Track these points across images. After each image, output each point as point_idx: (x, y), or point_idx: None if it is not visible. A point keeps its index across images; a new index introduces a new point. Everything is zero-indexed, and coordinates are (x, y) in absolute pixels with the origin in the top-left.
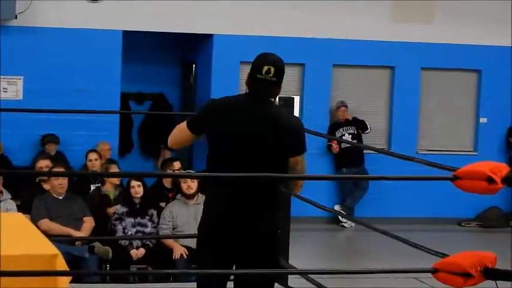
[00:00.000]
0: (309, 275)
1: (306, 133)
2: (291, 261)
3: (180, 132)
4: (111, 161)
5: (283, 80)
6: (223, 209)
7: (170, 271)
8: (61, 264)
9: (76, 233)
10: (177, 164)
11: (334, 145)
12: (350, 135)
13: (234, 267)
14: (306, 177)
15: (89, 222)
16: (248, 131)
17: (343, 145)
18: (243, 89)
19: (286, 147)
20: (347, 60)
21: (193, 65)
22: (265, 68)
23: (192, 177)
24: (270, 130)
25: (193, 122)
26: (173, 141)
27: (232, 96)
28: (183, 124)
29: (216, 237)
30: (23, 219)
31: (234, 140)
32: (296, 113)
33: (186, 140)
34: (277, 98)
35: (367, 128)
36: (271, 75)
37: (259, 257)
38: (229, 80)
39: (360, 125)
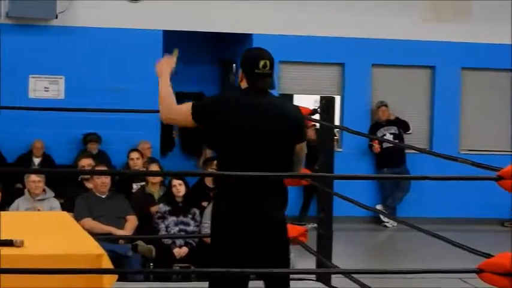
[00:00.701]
0: (352, 275)
1: (345, 132)
2: (334, 261)
3: (181, 115)
4: (152, 160)
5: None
6: (249, 204)
7: (212, 270)
8: (106, 264)
9: (118, 232)
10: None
11: (376, 145)
12: (392, 135)
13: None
14: (348, 176)
15: (132, 221)
16: (260, 123)
17: (385, 145)
18: (284, 88)
19: (294, 136)
20: (387, 60)
21: (233, 64)
22: (262, 62)
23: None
24: (280, 121)
25: (200, 114)
26: (169, 118)
27: (235, 92)
28: (187, 108)
29: (243, 234)
30: (67, 218)
31: (248, 134)
32: (337, 112)
33: (183, 123)
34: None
35: (409, 129)
36: (267, 68)
37: (279, 249)
38: None
39: (402, 125)
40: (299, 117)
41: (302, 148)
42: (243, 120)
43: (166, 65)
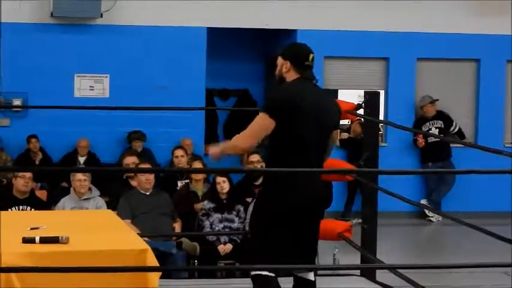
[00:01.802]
0: (397, 270)
1: (390, 126)
2: (378, 256)
3: (259, 125)
4: (195, 157)
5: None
6: (314, 187)
7: (258, 266)
8: (151, 259)
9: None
10: (255, 157)
11: (420, 139)
12: (437, 129)
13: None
14: (393, 171)
15: (177, 228)
16: (324, 111)
17: (429, 139)
18: (328, 83)
19: (337, 122)
20: (431, 54)
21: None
22: (311, 55)
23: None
24: (332, 108)
25: (275, 109)
26: (252, 138)
27: (295, 82)
28: (260, 118)
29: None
30: (113, 215)
31: (315, 122)
32: (381, 107)
33: (266, 130)
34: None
35: (452, 125)
36: (312, 61)
37: None
38: None
39: (446, 120)
40: (338, 105)
41: (337, 134)
42: (310, 103)
43: (213, 149)
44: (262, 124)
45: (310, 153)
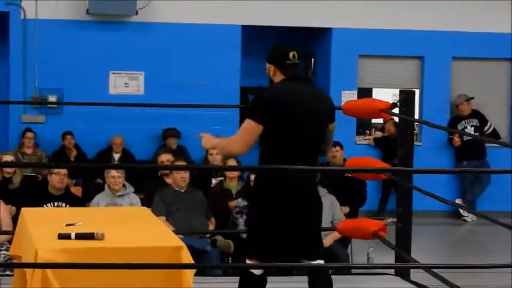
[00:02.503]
0: (432, 269)
1: (424, 126)
2: (413, 255)
3: (249, 132)
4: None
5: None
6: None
7: (291, 265)
8: (186, 256)
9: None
10: None
11: (456, 138)
12: (472, 128)
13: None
14: (428, 170)
15: (212, 227)
16: (311, 108)
17: (465, 138)
18: (363, 81)
19: (330, 115)
20: (466, 53)
21: (312, 59)
22: (291, 53)
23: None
24: (322, 103)
25: (261, 114)
26: (244, 145)
27: (279, 84)
28: (248, 124)
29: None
30: (147, 212)
31: (303, 120)
32: (416, 106)
33: (256, 136)
34: None
35: (486, 125)
36: (296, 58)
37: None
38: (347, 73)
39: (481, 119)
40: (330, 99)
41: (334, 126)
42: (294, 103)
43: (208, 138)
44: (251, 131)
45: (297, 151)
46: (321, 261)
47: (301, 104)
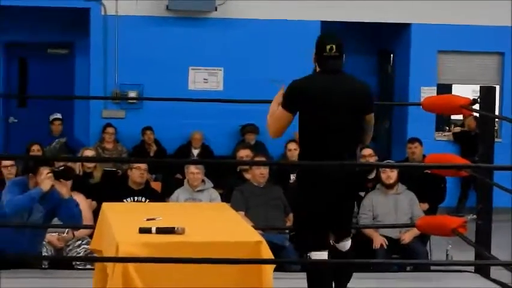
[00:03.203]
0: None
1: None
2: (493, 253)
3: (278, 119)
4: None
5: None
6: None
7: (372, 261)
8: (266, 251)
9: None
10: (367, 151)
11: None
12: None
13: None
14: (509, 167)
15: (289, 220)
16: (338, 99)
17: None
18: (442, 77)
19: (365, 107)
20: None
21: (391, 54)
22: (328, 46)
23: (391, 167)
24: (354, 94)
25: (289, 102)
26: (275, 130)
27: (311, 75)
28: (278, 111)
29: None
30: (227, 208)
31: (330, 110)
32: (496, 102)
33: (286, 123)
34: None
35: None
36: (333, 51)
37: None
38: (426, 69)
39: None
40: (369, 91)
41: (372, 118)
42: (323, 97)
43: (280, 96)
44: (279, 116)
45: (325, 142)
46: (349, 240)
47: (326, 95)
